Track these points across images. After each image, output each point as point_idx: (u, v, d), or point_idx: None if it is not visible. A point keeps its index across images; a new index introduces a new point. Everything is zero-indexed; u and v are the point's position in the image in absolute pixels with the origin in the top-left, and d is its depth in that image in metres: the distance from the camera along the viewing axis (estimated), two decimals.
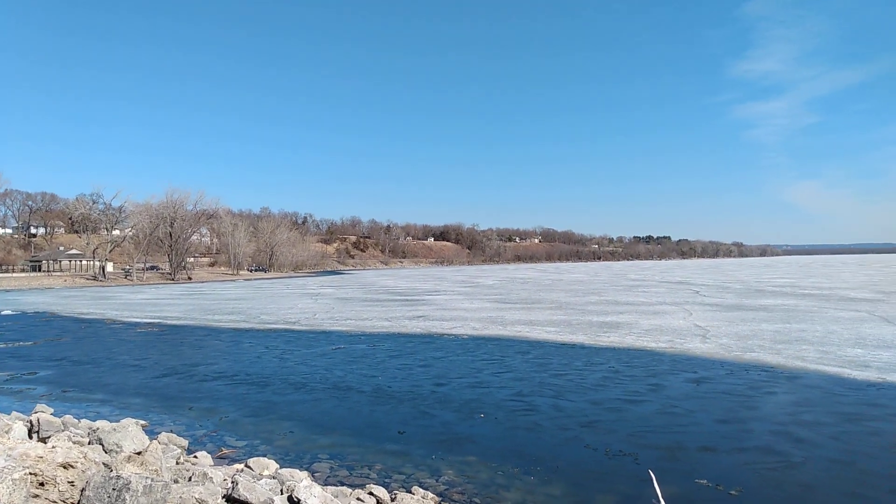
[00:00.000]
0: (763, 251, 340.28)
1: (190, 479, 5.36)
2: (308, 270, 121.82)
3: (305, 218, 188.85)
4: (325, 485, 6.40)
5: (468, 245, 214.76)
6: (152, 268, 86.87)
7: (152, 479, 4.20)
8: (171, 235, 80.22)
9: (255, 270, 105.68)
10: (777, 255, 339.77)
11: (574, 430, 8.68)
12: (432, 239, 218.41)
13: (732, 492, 6.24)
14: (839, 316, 22.04)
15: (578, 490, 6.44)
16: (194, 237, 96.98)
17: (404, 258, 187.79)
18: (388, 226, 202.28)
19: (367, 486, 6.20)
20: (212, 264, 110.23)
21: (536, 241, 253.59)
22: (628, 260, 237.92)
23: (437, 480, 6.73)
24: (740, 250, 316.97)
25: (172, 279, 77.88)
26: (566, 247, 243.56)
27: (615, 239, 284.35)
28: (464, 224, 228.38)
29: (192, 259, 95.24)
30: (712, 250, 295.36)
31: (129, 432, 5.70)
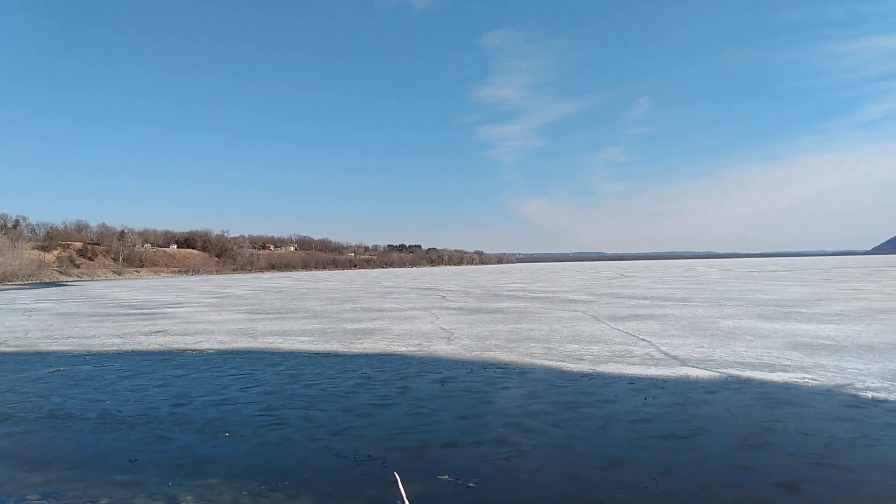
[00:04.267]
0: (500, 259, 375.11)
1: None
2: (21, 282, 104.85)
3: (18, 221, 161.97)
4: None
5: (217, 253, 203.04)
6: None
7: None
8: None
9: None
10: (511, 262, 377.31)
11: (324, 439, 8.60)
12: (175, 246, 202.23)
13: (471, 484, 6.67)
14: (560, 316, 25.02)
15: (327, 499, 6.37)
16: None
17: (142, 267, 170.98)
18: (123, 231, 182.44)
19: None
20: None
21: (292, 248, 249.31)
22: (383, 268, 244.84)
23: None
24: (481, 258, 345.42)
25: None
26: (323, 255, 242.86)
27: (370, 247, 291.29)
28: (212, 230, 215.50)
29: None
30: (457, 258, 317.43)
31: None
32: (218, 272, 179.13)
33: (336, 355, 16.29)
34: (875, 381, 11.31)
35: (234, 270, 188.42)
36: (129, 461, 7.80)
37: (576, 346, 16.61)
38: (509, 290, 47.18)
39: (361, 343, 18.27)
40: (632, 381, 12.05)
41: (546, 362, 14.26)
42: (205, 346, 18.67)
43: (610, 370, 13.11)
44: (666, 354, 14.82)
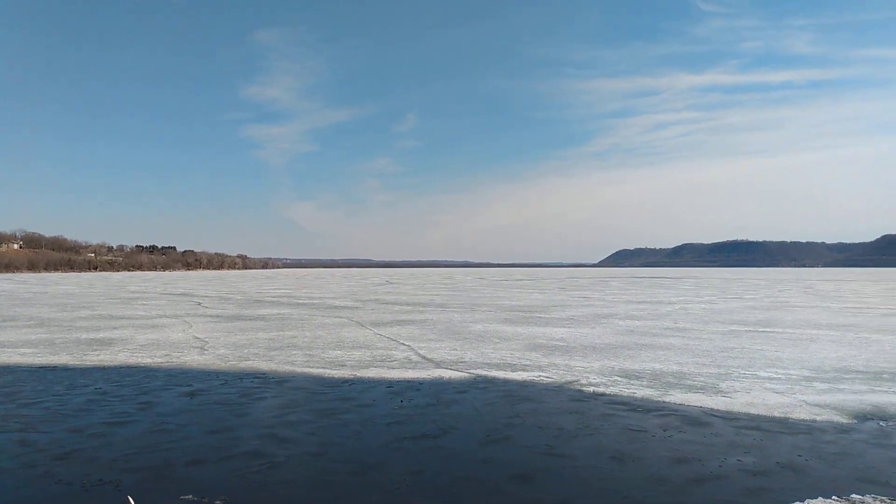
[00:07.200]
0: (265, 263, 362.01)
1: None
2: None
3: None
4: None
5: None
6: None
7: None
8: None
9: None
10: (278, 267, 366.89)
11: (45, 465, 7.47)
12: None
13: (218, 501, 6.26)
14: (325, 322, 24.89)
15: None
16: None
17: None
18: None
19: None
20: None
21: (16, 246, 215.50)
22: (130, 271, 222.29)
23: None
24: (244, 262, 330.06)
25: None
26: (56, 255, 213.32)
27: (115, 248, 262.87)
28: None
29: None
30: (218, 262, 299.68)
31: None
32: None
33: (65, 369, 14.33)
34: (596, 377, 13.00)
35: None
36: None
37: (339, 352, 16.62)
38: (273, 296, 45.82)
39: (98, 355, 16.31)
40: (390, 384, 12.36)
41: (307, 370, 14.05)
42: None
43: (370, 375, 13.32)
44: (423, 357, 15.49)
